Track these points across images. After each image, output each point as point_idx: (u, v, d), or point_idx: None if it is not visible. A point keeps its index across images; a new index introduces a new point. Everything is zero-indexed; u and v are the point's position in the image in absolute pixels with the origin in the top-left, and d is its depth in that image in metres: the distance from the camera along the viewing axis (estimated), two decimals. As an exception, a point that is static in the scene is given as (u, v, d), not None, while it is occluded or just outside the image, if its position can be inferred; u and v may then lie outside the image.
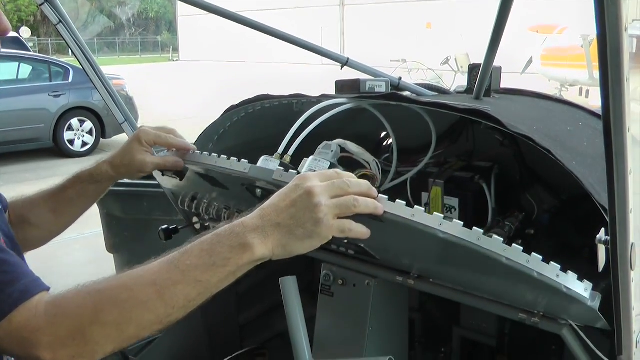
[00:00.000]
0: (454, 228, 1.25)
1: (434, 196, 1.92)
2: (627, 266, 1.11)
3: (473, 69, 2.10)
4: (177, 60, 53.13)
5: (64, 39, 1.90)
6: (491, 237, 1.23)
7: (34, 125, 11.06)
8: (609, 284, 1.17)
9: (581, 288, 1.18)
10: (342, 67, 2.26)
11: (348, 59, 2.25)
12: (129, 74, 17.63)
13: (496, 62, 2.00)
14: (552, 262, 1.19)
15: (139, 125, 2.25)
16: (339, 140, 1.73)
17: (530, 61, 16.90)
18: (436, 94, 2.19)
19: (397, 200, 1.31)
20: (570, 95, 14.02)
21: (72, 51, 1.92)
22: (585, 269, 1.57)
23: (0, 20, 1.40)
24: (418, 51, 20.93)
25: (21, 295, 1.16)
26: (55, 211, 1.80)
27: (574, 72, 14.80)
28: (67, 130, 11.43)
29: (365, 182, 1.31)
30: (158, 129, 1.88)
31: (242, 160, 1.67)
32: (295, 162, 1.72)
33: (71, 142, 11.53)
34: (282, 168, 1.55)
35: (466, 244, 1.23)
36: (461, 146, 2.11)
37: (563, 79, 15.37)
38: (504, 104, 1.97)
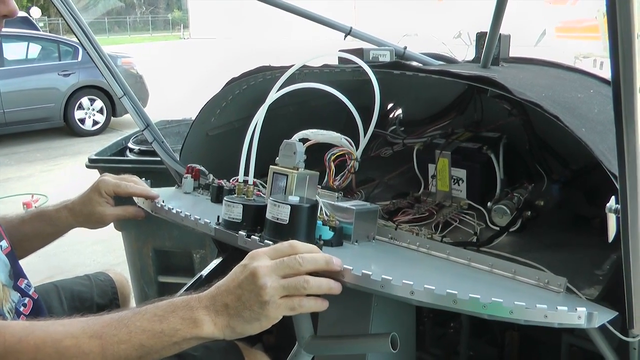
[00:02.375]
0: (427, 296, 1.18)
1: (440, 167, 1.88)
2: (637, 235, 1.06)
3: (480, 37, 2.04)
4: (188, 38, 53.04)
5: (58, 10, 1.86)
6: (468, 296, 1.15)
7: (44, 104, 11.04)
8: (620, 255, 1.13)
9: (574, 318, 1.13)
10: (345, 36, 2.22)
11: (351, 28, 2.20)
12: (140, 53, 17.56)
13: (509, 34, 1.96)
14: (538, 305, 1.12)
15: (145, 109, 2.21)
16: (299, 135, 1.66)
17: (543, 33, 16.68)
18: (443, 63, 2.14)
19: (363, 272, 1.24)
20: (584, 67, 13.86)
21: (66, 22, 1.88)
22: (597, 240, 1.53)
23: (8, 2, 1.44)
24: (430, 25, 20.75)
25: None
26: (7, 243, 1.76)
27: (588, 43, 14.64)
28: (77, 109, 11.41)
29: (322, 257, 1.25)
30: (119, 178, 1.89)
31: (205, 220, 1.64)
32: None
33: (82, 121, 11.52)
34: (244, 233, 1.50)
35: (444, 308, 1.18)
36: (469, 116, 2.07)
37: (577, 50, 15.19)
38: (512, 71, 1.92)
